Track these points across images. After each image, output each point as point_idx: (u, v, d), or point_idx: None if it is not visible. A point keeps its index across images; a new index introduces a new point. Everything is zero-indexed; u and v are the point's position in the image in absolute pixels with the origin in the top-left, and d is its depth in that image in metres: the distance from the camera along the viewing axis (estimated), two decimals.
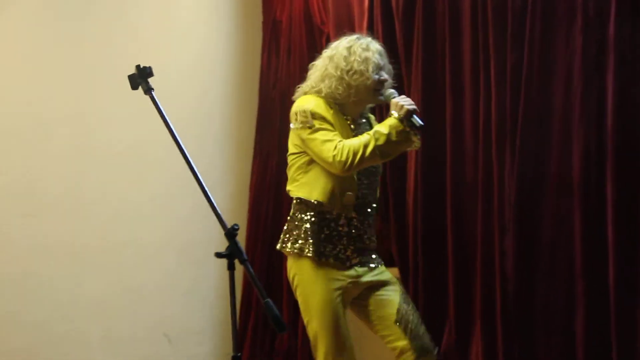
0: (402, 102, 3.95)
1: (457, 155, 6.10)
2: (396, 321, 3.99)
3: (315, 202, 4.03)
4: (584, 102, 5.36)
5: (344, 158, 3.81)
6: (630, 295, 5.11)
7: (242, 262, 3.08)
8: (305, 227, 4.03)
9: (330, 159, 3.86)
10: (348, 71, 4.00)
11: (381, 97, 4.12)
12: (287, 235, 4.11)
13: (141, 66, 3.39)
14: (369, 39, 4.17)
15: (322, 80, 4.11)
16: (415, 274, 6.27)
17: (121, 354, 7.43)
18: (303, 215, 4.08)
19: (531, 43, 5.59)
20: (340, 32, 6.93)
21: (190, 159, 3.29)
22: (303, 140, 4.03)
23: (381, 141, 3.85)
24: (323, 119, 3.96)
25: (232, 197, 7.89)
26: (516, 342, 5.66)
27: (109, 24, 7.49)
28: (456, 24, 6.10)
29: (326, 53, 4.18)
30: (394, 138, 3.87)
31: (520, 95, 5.65)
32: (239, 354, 3.09)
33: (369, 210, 4.13)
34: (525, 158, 5.64)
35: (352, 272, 4.05)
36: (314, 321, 3.97)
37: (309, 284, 4.00)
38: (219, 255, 3.14)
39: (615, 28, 5.17)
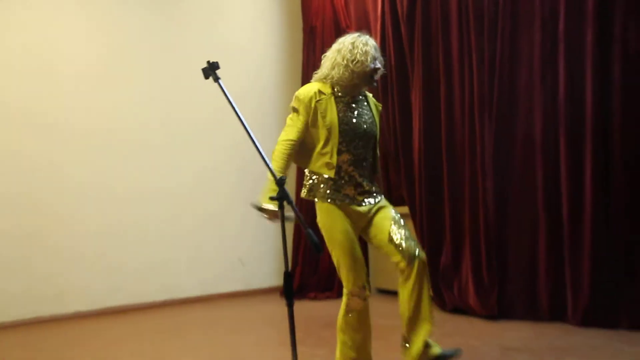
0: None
1: (449, 122, 6.20)
2: (389, 240, 3.88)
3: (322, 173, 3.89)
4: (543, 81, 5.54)
5: (275, 151, 3.76)
6: (578, 222, 5.29)
7: (289, 203, 3.10)
8: (318, 180, 3.92)
9: (279, 140, 3.76)
10: (352, 60, 3.84)
11: (374, 84, 3.94)
12: (307, 187, 3.97)
13: (211, 61, 3.36)
14: (367, 36, 4.00)
15: (332, 69, 3.91)
16: (421, 210, 6.38)
17: (206, 274, 7.64)
18: (314, 182, 3.95)
19: (502, 39, 5.74)
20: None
21: (249, 130, 3.27)
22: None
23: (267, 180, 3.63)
24: (304, 105, 3.85)
25: None
26: (494, 258, 5.81)
27: (196, 32, 7.58)
28: (446, 25, 6.19)
29: (335, 47, 3.97)
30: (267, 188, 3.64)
31: (494, 77, 5.81)
32: (291, 271, 3.02)
33: (364, 164, 3.94)
34: (499, 123, 5.80)
35: (358, 208, 3.89)
36: (335, 249, 3.86)
37: (328, 222, 3.88)
38: (272, 198, 3.21)
39: (564, 25, 5.35)
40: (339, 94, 3.89)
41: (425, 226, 6.37)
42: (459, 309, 6.03)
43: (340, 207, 3.85)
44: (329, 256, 3.90)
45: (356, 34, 3.96)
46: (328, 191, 3.84)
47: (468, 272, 6.02)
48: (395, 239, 3.88)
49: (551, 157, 5.54)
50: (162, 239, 7.42)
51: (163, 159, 7.48)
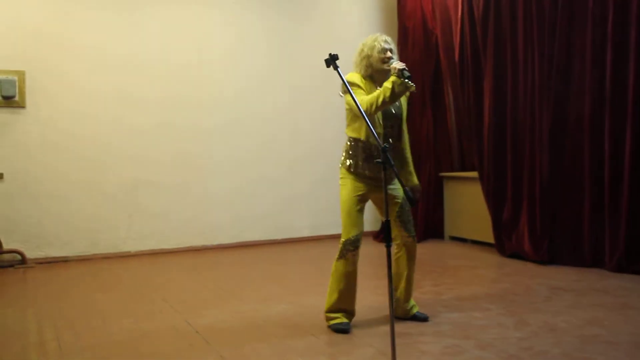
0: (395, 65, 3.64)
1: (514, 104, 6.15)
2: (396, 219, 3.90)
3: (360, 139, 3.80)
4: (592, 72, 5.42)
5: (365, 107, 3.61)
6: (616, 187, 5.24)
7: (390, 166, 3.04)
8: (351, 151, 3.85)
9: (360, 108, 3.48)
10: (365, 56, 3.83)
11: (386, 67, 3.76)
12: (343, 156, 3.90)
13: (332, 53, 3.38)
14: (378, 34, 3.89)
15: (356, 64, 3.89)
16: (488, 174, 6.34)
17: (317, 219, 7.72)
18: (350, 145, 3.87)
19: (560, 37, 5.64)
20: (444, 33, 7.18)
21: (362, 109, 3.29)
22: (347, 101, 3.83)
23: (387, 92, 3.58)
24: (356, 85, 3.76)
25: None
26: (546, 214, 5.79)
27: (312, 29, 7.67)
28: (514, 25, 6.11)
29: (357, 48, 3.91)
30: (396, 88, 3.58)
31: (552, 68, 5.72)
32: (388, 220, 3.04)
33: (390, 141, 3.80)
34: (555, 106, 5.72)
35: (371, 181, 3.82)
36: (341, 209, 3.83)
37: (343, 186, 3.86)
38: (377, 162, 3.13)
39: (612, 27, 5.21)
40: (375, 82, 3.84)
41: (491, 187, 6.34)
42: (516, 254, 6.00)
43: (358, 175, 3.84)
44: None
45: (372, 34, 3.90)
46: (356, 159, 3.84)
47: (524, 225, 5.98)
48: (402, 219, 3.92)
49: (597, 134, 5.44)
50: (279, 194, 7.58)
51: (281, 132, 7.63)
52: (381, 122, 3.81)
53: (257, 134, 7.46)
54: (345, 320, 3.88)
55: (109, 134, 6.75)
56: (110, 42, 6.77)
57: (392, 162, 3.05)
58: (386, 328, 3.59)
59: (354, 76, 3.82)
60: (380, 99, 3.61)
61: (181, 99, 7.08)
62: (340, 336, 3.76)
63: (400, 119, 3.94)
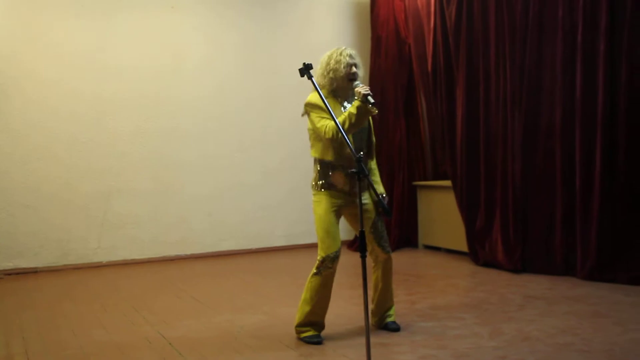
0: (360, 90, 3.62)
1: (486, 113, 6.16)
2: (370, 232, 3.87)
3: (325, 160, 3.79)
4: (563, 82, 5.44)
5: (329, 135, 3.61)
6: (588, 197, 5.25)
7: (364, 176, 3.06)
8: (321, 170, 3.83)
9: (322, 135, 3.63)
10: (329, 70, 3.77)
11: (351, 85, 3.74)
12: (314, 177, 3.88)
13: (306, 63, 3.38)
14: (344, 47, 3.85)
15: (320, 77, 3.81)
16: (461, 183, 6.36)
17: (292, 229, 7.68)
18: (319, 165, 3.84)
19: (530, 47, 5.67)
20: (416, 43, 7.19)
21: (332, 111, 3.35)
22: (310, 121, 3.79)
23: (353, 117, 3.57)
24: (319, 107, 3.69)
25: None
26: (519, 223, 5.80)
27: (286, 37, 7.65)
28: (486, 36, 6.14)
29: (320, 60, 3.86)
30: (361, 113, 3.58)
31: (523, 79, 5.74)
32: (362, 230, 3.06)
33: (361, 153, 3.78)
34: (527, 115, 5.74)
35: (344, 195, 3.81)
36: (317, 226, 3.81)
37: (317, 202, 3.82)
38: (352, 172, 3.15)
39: (582, 37, 5.26)
40: (338, 99, 3.82)
41: (464, 196, 6.36)
42: (490, 263, 6.02)
43: (329, 193, 3.84)
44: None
45: (335, 48, 3.85)
46: (324, 179, 3.84)
47: (498, 233, 6.00)
48: (375, 234, 3.91)
49: (568, 143, 5.47)
50: (255, 201, 7.53)
51: (257, 139, 7.59)
52: (351, 137, 3.74)
53: (231, 141, 7.42)
54: (315, 332, 3.86)
55: (83, 139, 6.67)
56: (85, 47, 6.71)
57: (367, 172, 3.06)
58: (361, 339, 3.56)
59: (315, 97, 3.74)
60: (347, 125, 3.60)
61: (155, 106, 7.03)
62: (314, 347, 3.73)
63: (368, 130, 3.93)
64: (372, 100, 3.58)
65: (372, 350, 3.34)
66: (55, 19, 6.59)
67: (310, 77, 3.39)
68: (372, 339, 3.62)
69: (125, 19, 6.89)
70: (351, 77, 3.76)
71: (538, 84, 5.70)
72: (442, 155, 7.01)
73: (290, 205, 7.65)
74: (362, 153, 3.21)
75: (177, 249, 7.07)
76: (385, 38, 7.53)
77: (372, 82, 7.47)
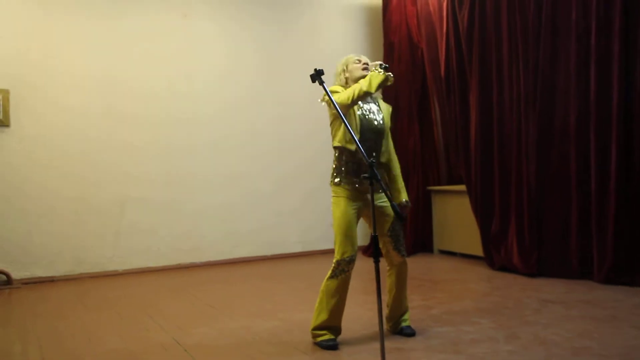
0: (372, 65, 3.75)
1: (500, 115, 6.16)
2: (387, 235, 3.87)
3: (345, 147, 3.78)
4: (577, 84, 5.43)
5: (344, 97, 3.65)
6: (604, 198, 5.24)
7: (377, 181, 3.06)
8: (339, 164, 3.84)
9: (342, 101, 3.62)
10: (342, 71, 3.92)
11: (365, 72, 3.81)
12: (332, 173, 3.89)
13: (317, 69, 3.40)
14: (351, 54, 3.99)
15: (335, 78, 3.96)
16: (475, 187, 6.35)
17: (307, 235, 7.69)
18: (337, 157, 3.87)
19: (544, 49, 5.66)
20: (429, 48, 7.20)
21: (343, 116, 3.38)
22: (329, 109, 3.81)
23: (365, 82, 3.62)
24: (335, 91, 3.77)
25: None
26: (535, 226, 5.77)
27: (298, 44, 7.68)
28: (499, 38, 6.14)
29: (336, 66, 4.00)
30: (373, 78, 3.62)
31: (537, 80, 5.73)
32: (375, 234, 3.06)
33: (373, 155, 3.81)
34: (541, 117, 5.72)
35: (363, 196, 3.80)
36: (335, 228, 3.79)
37: (336, 204, 3.80)
38: (364, 177, 3.10)
39: (595, 40, 5.25)
40: None
41: (479, 200, 6.34)
42: (505, 267, 6.00)
43: (348, 190, 3.85)
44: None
45: (347, 56, 3.99)
46: (342, 174, 3.87)
47: (513, 238, 5.97)
48: (393, 236, 3.91)
49: (583, 145, 5.45)
50: (271, 208, 7.55)
51: (270, 147, 7.61)
52: (359, 130, 3.78)
53: (245, 149, 7.43)
54: (332, 336, 3.85)
55: (96, 151, 6.71)
56: (97, 59, 6.74)
57: (379, 177, 3.05)
58: (376, 344, 3.56)
59: (333, 87, 3.87)
60: (358, 89, 3.65)
61: (170, 115, 7.06)
62: (329, 353, 3.72)
63: (383, 133, 3.91)
64: (384, 65, 3.65)
65: (387, 356, 3.35)
66: (69, 38, 6.63)
67: (321, 83, 3.40)
68: (387, 344, 3.63)
69: (135, 28, 6.92)
70: (363, 67, 3.85)
71: (552, 86, 5.68)
72: (456, 159, 7.01)
73: (305, 212, 7.66)
74: (373, 159, 3.16)
75: (192, 257, 7.08)
76: (397, 43, 7.54)
77: (385, 88, 7.38)
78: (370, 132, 3.84)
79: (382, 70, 3.66)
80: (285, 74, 7.60)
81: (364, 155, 3.21)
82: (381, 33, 7.84)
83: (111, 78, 6.79)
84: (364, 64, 3.88)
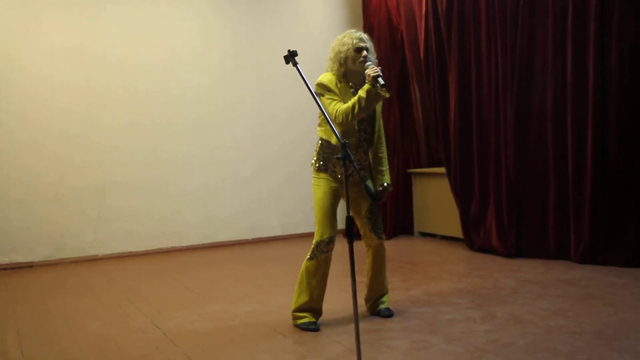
0: (369, 72, 3.57)
1: (478, 99, 6.17)
2: (365, 217, 3.89)
3: (331, 142, 3.78)
4: (554, 66, 5.47)
5: (339, 120, 3.61)
6: (580, 180, 5.29)
7: (350, 161, 3.02)
8: (321, 152, 3.83)
9: (332, 118, 3.59)
10: (337, 52, 3.76)
11: (361, 68, 3.70)
12: (314, 157, 3.87)
13: (291, 50, 3.33)
14: (353, 30, 3.82)
15: (331, 61, 3.81)
16: (455, 170, 6.38)
17: (287, 219, 7.70)
18: (321, 145, 3.85)
19: (522, 32, 5.68)
20: (408, 30, 7.18)
21: (319, 101, 3.33)
22: (321, 102, 3.64)
23: (362, 102, 3.54)
24: (329, 89, 3.70)
25: None
26: (513, 208, 5.83)
27: (277, 28, 7.59)
28: (477, 21, 6.15)
29: (331, 45, 3.85)
30: (371, 97, 3.55)
31: (515, 63, 5.76)
32: (350, 215, 2.99)
33: (364, 145, 3.82)
34: (519, 100, 5.76)
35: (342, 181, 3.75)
36: (315, 209, 3.81)
37: (317, 186, 3.81)
38: (337, 158, 3.07)
39: (572, 21, 5.27)
40: (350, 83, 3.79)
41: (458, 182, 6.39)
42: (484, 248, 6.06)
43: (328, 176, 3.84)
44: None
45: (345, 31, 3.83)
46: (325, 161, 3.84)
47: (492, 219, 6.03)
48: (370, 219, 3.94)
49: (560, 128, 5.49)
50: (250, 192, 7.54)
51: (250, 130, 7.58)
52: (356, 126, 3.77)
53: (225, 133, 7.40)
54: (312, 319, 3.88)
55: (76, 133, 6.64)
56: (76, 40, 6.66)
57: (352, 158, 3.03)
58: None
59: (327, 78, 3.76)
60: (356, 109, 3.59)
61: (148, 98, 6.99)
62: (309, 335, 3.76)
63: (374, 117, 3.88)
64: (382, 82, 3.52)
65: (365, 337, 3.39)
66: (46, 12, 6.54)
67: (295, 64, 3.31)
68: (365, 326, 3.68)
69: (114, 10, 6.84)
70: (361, 62, 3.70)
71: (529, 68, 5.71)
72: (436, 142, 7.03)
73: (285, 196, 7.66)
74: (347, 140, 3.15)
75: (172, 241, 7.07)
76: (377, 26, 7.51)
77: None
78: (363, 121, 3.83)
79: (382, 88, 3.54)
80: (264, 57, 7.54)
81: (337, 137, 3.17)
82: (361, 16, 7.81)
83: (90, 59, 6.71)
84: (363, 57, 3.71)
